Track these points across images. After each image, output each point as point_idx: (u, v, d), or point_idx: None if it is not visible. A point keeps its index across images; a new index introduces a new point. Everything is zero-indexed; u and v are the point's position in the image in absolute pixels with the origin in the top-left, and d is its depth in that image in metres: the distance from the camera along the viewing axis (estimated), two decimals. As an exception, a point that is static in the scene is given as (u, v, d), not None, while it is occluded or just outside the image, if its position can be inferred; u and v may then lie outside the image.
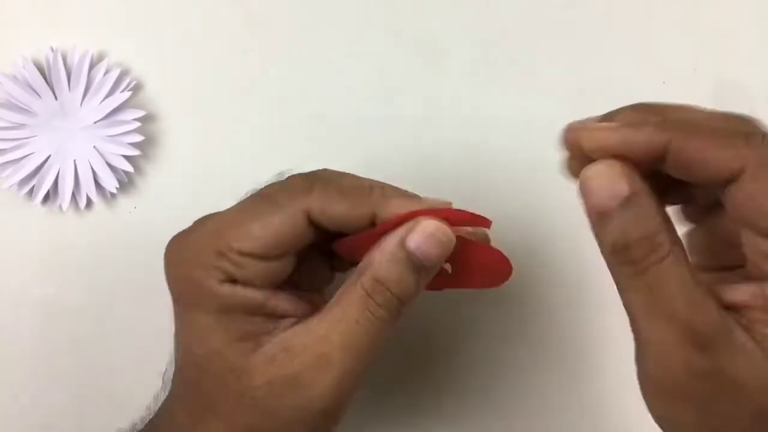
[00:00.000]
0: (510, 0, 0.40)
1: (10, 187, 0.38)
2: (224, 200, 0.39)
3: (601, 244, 0.25)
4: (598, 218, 0.24)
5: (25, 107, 0.38)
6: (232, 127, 0.40)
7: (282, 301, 0.28)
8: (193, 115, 0.40)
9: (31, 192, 0.38)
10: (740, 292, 0.25)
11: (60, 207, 0.39)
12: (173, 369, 0.30)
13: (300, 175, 0.28)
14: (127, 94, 0.38)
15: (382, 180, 0.29)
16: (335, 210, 0.27)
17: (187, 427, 0.28)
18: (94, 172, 0.38)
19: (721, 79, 0.40)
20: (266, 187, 0.29)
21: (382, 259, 0.27)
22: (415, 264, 0.26)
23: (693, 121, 0.25)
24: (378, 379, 0.39)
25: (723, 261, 0.27)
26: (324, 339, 0.26)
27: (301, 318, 0.28)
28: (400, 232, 0.27)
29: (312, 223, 0.28)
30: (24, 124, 0.38)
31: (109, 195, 0.39)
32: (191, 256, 0.28)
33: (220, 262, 0.27)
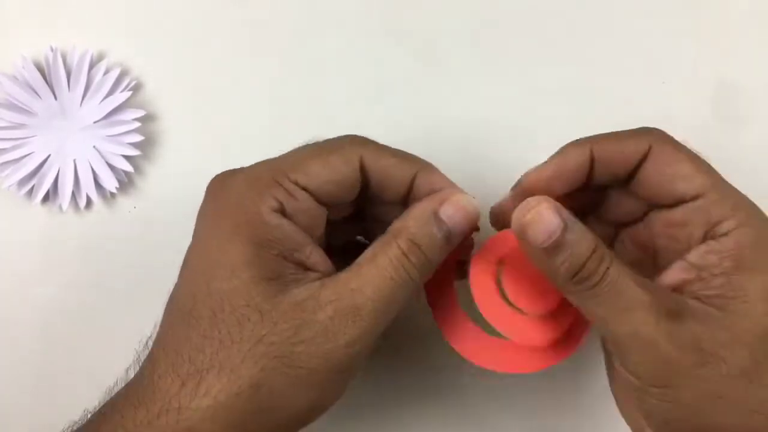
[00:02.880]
0: (510, 0, 0.40)
1: (10, 186, 0.38)
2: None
3: (556, 275, 0.26)
4: (548, 254, 0.26)
5: (25, 107, 0.38)
6: (232, 126, 0.40)
7: (315, 253, 0.28)
8: (193, 115, 0.40)
9: (30, 192, 0.38)
10: (673, 274, 0.28)
11: (60, 207, 0.39)
12: (158, 330, 0.28)
13: (355, 135, 0.30)
14: (126, 94, 0.38)
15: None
16: (386, 161, 0.29)
17: (170, 391, 0.26)
18: (94, 172, 0.38)
19: (721, 79, 0.40)
20: (324, 139, 0.30)
21: (417, 224, 0.28)
22: (445, 232, 0.28)
23: (600, 135, 0.29)
24: (383, 380, 0.39)
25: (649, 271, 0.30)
26: (357, 291, 0.27)
27: (327, 275, 0.28)
28: (433, 201, 0.28)
29: (363, 171, 0.29)
30: (24, 124, 0.38)
31: (109, 195, 0.39)
32: (244, 183, 0.28)
33: (274, 189, 0.27)
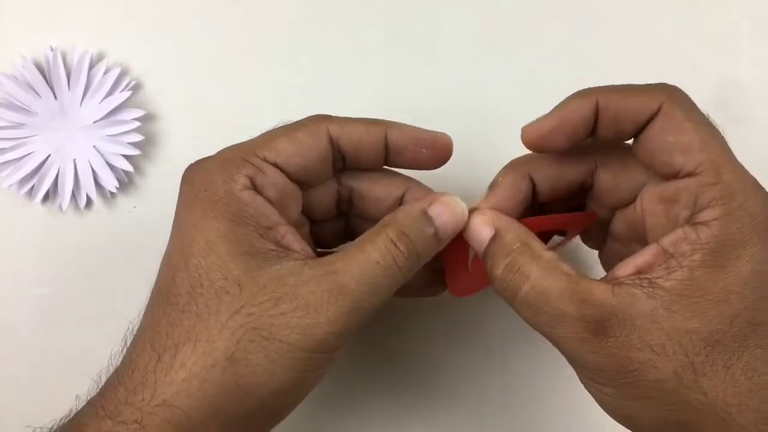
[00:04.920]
0: (509, 0, 0.40)
1: (10, 186, 0.38)
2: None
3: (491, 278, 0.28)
4: (485, 259, 0.28)
5: (25, 107, 0.38)
6: (232, 127, 0.40)
7: (291, 234, 0.28)
8: (193, 115, 0.40)
9: (30, 191, 0.38)
10: (643, 257, 0.26)
11: (60, 206, 0.39)
12: (142, 315, 0.28)
13: (318, 113, 0.30)
14: (126, 94, 0.38)
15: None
16: (353, 128, 0.29)
17: (147, 367, 0.25)
18: (93, 172, 0.38)
19: (721, 79, 0.40)
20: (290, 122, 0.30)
21: (407, 217, 0.28)
22: (434, 229, 0.28)
23: (610, 86, 0.28)
24: (377, 381, 0.39)
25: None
26: (341, 271, 0.26)
27: (310, 258, 0.27)
28: (423, 201, 0.29)
29: (332, 145, 0.29)
30: (24, 124, 0.38)
31: (108, 194, 0.39)
32: (215, 166, 0.28)
33: (244, 167, 0.27)
